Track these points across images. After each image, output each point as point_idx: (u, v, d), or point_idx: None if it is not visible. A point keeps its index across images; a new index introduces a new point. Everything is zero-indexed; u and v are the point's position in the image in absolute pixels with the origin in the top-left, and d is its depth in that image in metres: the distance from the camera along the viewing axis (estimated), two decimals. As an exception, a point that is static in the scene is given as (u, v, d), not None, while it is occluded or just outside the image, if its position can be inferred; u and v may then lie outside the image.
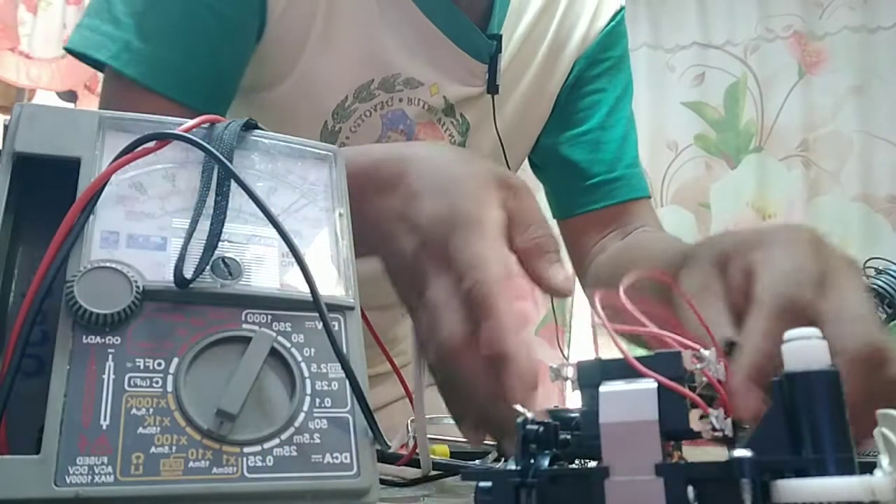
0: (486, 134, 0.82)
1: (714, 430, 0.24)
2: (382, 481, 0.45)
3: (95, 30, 0.64)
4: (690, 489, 0.23)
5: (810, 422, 0.23)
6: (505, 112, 0.82)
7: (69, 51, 0.66)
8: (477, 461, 0.57)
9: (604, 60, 0.87)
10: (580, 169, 0.85)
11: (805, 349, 0.24)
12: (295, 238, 0.33)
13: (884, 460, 0.24)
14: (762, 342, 0.36)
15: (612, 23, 0.87)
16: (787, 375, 0.24)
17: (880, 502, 0.21)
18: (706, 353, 0.25)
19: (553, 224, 0.89)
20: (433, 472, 0.47)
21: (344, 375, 0.32)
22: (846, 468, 0.22)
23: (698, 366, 0.25)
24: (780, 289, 0.37)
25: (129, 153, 0.32)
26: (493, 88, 0.79)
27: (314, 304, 0.32)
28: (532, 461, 0.26)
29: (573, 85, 0.86)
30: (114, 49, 0.63)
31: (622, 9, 0.88)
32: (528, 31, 0.82)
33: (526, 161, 0.92)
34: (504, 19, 0.80)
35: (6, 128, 0.32)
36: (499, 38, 0.78)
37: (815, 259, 0.39)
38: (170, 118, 0.35)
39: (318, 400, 0.31)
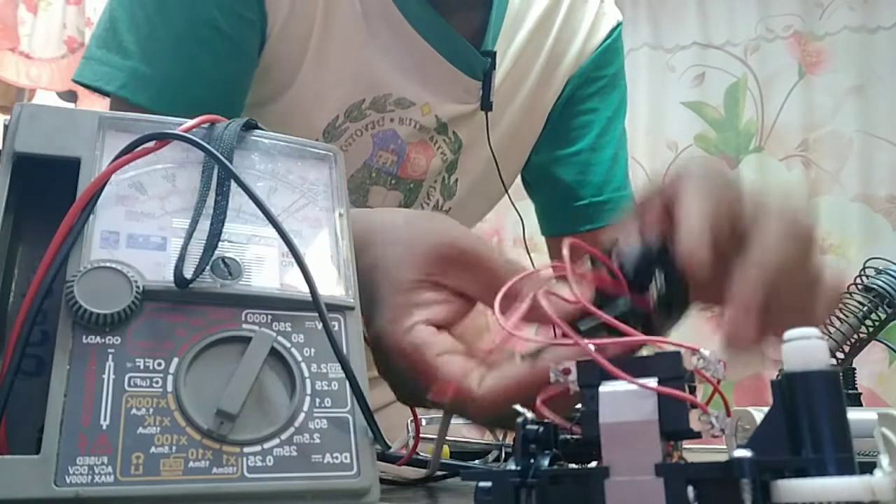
0: (480, 151, 0.81)
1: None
2: (383, 481, 0.45)
3: (102, 60, 0.65)
4: (690, 489, 0.23)
5: (810, 422, 0.23)
6: (498, 128, 0.82)
7: (78, 82, 0.67)
8: (477, 461, 0.57)
9: (598, 79, 0.86)
10: (569, 190, 0.86)
11: (804, 349, 0.24)
12: (295, 238, 0.33)
13: (884, 460, 0.24)
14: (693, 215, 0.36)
15: (609, 40, 0.86)
16: (787, 375, 0.24)
17: (880, 502, 0.22)
18: (706, 352, 0.25)
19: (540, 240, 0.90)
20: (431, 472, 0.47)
21: (344, 375, 0.32)
22: (846, 468, 0.22)
23: (698, 365, 0.25)
24: (704, 186, 0.37)
25: (128, 153, 0.32)
26: (486, 105, 0.78)
27: (314, 304, 0.32)
28: (532, 461, 0.26)
29: (566, 102, 0.86)
30: (122, 78, 0.64)
31: (619, 24, 0.88)
32: (523, 46, 0.81)
33: (518, 178, 0.92)
34: (498, 35, 0.79)
35: (6, 128, 0.32)
36: (493, 54, 0.77)
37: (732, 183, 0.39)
38: (170, 118, 0.35)
39: (318, 400, 0.31)
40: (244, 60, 0.68)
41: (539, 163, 0.88)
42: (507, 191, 0.86)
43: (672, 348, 0.26)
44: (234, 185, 0.33)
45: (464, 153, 0.82)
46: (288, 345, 0.32)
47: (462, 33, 0.76)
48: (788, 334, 0.24)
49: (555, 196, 0.88)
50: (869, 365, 2.09)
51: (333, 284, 0.35)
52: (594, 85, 0.86)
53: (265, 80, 0.70)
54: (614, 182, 0.86)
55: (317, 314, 0.32)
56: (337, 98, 0.73)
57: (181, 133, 0.33)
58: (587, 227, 0.85)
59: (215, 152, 0.32)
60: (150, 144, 0.32)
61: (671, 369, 0.25)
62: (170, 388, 0.29)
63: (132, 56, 0.64)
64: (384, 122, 0.75)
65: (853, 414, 0.25)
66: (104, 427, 0.27)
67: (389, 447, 0.33)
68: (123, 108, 0.65)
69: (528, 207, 0.90)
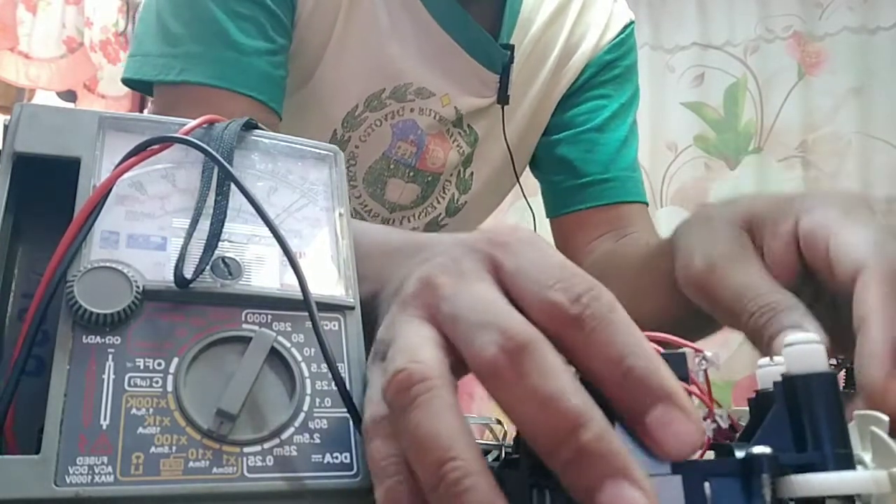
0: (495, 144, 0.82)
1: (719, 429, 0.25)
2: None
3: (155, 54, 0.66)
4: (707, 485, 0.23)
5: (811, 421, 0.24)
6: (513, 121, 0.82)
7: (134, 80, 0.67)
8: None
9: (613, 68, 0.86)
10: (573, 167, 0.84)
11: (806, 353, 0.25)
12: (295, 238, 0.33)
13: (866, 456, 0.25)
14: (888, 312, 0.30)
15: (623, 34, 0.87)
16: (789, 378, 0.25)
17: (879, 494, 0.22)
18: (709, 353, 0.26)
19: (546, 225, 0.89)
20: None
21: (344, 375, 0.32)
22: (845, 464, 0.24)
23: (704, 366, 0.25)
24: (877, 251, 0.32)
25: (133, 156, 0.32)
26: (503, 99, 0.78)
27: (304, 303, 0.32)
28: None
29: (579, 89, 0.86)
30: (179, 65, 0.65)
31: (632, 22, 0.88)
32: (536, 40, 0.82)
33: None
34: (514, 29, 0.80)
35: (6, 128, 0.32)
36: (511, 48, 0.77)
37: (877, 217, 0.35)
38: (170, 118, 0.35)
39: (318, 400, 0.31)
40: (286, 37, 0.69)
41: (546, 143, 0.87)
42: (518, 181, 0.86)
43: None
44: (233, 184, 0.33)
45: (480, 146, 0.82)
46: (288, 345, 0.32)
47: (480, 25, 0.76)
48: (789, 339, 0.25)
49: (559, 174, 0.86)
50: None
51: (333, 284, 0.35)
52: (609, 73, 0.86)
53: (290, 67, 0.70)
54: (621, 162, 0.84)
55: (318, 314, 0.32)
56: (357, 87, 0.73)
57: (183, 137, 0.33)
58: (590, 205, 0.83)
59: (216, 155, 0.32)
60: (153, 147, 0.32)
61: (676, 370, 0.25)
62: (170, 388, 0.29)
63: (182, 41, 0.65)
64: (404, 111, 0.75)
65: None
66: (104, 427, 0.27)
67: None
68: (179, 96, 0.65)
69: (538, 203, 0.89)
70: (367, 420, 0.27)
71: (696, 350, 0.26)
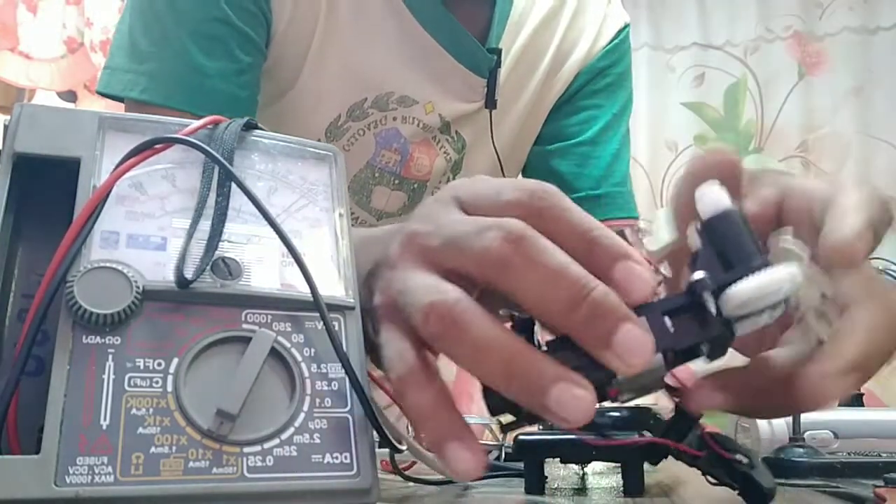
0: (484, 150, 0.81)
1: (666, 279, 0.31)
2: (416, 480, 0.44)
3: (123, 68, 0.66)
4: (666, 318, 0.28)
5: (730, 249, 0.29)
6: (503, 127, 0.81)
7: (103, 94, 0.68)
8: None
9: (606, 76, 0.85)
10: (565, 182, 0.84)
11: (713, 196, 0.30)
12: (295, 238, 0.33)
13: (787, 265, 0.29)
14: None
15: (617, 39, 0.85)
16: (705, 220, 0.30)
17: (801, 287, 0.28)
18: (643, 225, 0.30)
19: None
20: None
21: (344, 375, 0.32)
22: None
23: (642, 236, 0.31)
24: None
25: (133, 156, 0.32)
26: (491, 104, 0.78)
27: (314, 303, 0.32)
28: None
29: (571, 97, 0.85)
30: (143, 83, 0.65)
31: (627, 25, 0.87)
32: (527, 44, 0.81)
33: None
34: (503, 33, 0.79)
35: (6, 128, 0.32)
36: (499, 52, 0.77)
37: None
38: (170, 119, 0.35)
39: (318, 400, 0.31)
40: (257, 54, 0.68)
41: (538, 153, 0.87)
42: None
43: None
44: (234, 184, 0.33)
45: (468, 153, 0.81)
46: (288, 345, 0.32)
47: (467, 30, 0.76)
48: (699, 192, 0.30)
49: None
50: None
51: (333, 284, 0.35)
52: (601, 81, 0.85)
53: (268, 80, 0.70)
54: (613, 178, 0.84)
55: (317, 314, 0.32)
56: (339, 97, 0.72)
57: (184, 137, 0.33)
58: None
59: (217, 156, 0.32)
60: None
61: None
62: (170, 388, 0.29)
63: (149, 59, 0.65)
64: (386, 120, 0.75)
65: (871, 413, 0.29)
66: (104, 427, 0.27)
67: (400, 443, 0.33)
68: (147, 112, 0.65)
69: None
70: (397, 377, 0.30)
71: (632, 224, 0.30)
